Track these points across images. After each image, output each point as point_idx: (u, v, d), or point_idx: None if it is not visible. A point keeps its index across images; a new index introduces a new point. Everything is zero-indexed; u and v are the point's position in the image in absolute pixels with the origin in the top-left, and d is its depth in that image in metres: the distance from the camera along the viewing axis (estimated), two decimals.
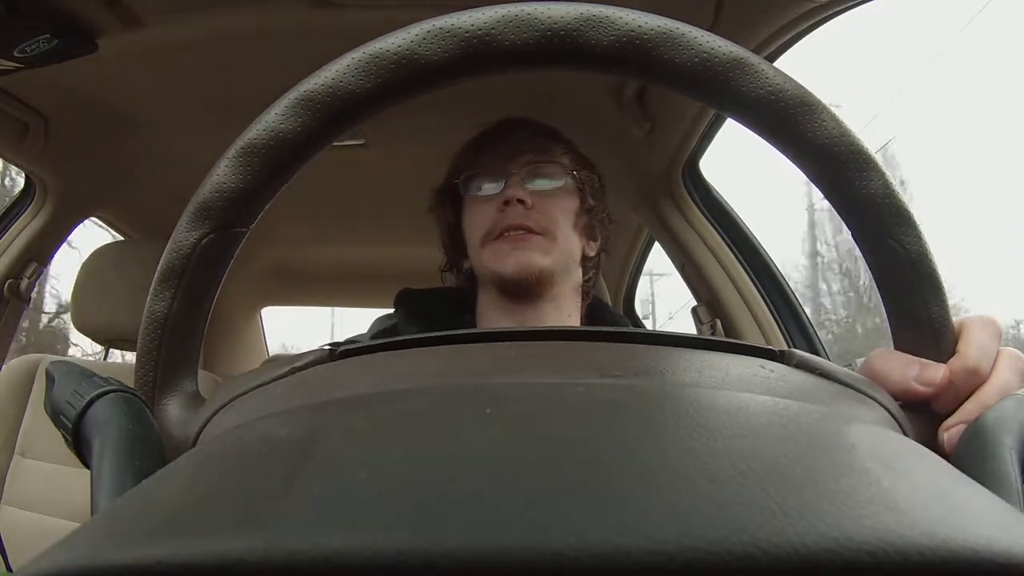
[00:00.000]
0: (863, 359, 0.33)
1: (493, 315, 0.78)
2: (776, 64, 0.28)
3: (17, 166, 1.30)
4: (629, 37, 0.26)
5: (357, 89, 0.27)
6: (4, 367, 1.35)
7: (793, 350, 0.30)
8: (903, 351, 0.31)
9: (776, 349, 0.31)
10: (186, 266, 0.29)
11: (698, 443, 0.16)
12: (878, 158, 0.28)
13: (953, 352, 0.30)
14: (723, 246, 1.27)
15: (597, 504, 0.14)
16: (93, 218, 1.55)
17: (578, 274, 0.80)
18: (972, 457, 0.23)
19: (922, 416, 0.30)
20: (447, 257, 0.85)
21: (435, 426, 0.18)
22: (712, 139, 1.19)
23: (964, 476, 0.18)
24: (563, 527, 0.13)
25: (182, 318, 0.30)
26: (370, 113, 0.28)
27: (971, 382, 0.30)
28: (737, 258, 1.26)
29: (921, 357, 0.31)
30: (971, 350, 0.30)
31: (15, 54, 0.94)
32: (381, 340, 0.30)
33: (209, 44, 1.04)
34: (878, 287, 0.31)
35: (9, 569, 1.13)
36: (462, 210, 0.80)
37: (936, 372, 0.30)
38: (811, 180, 0.29)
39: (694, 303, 1.35)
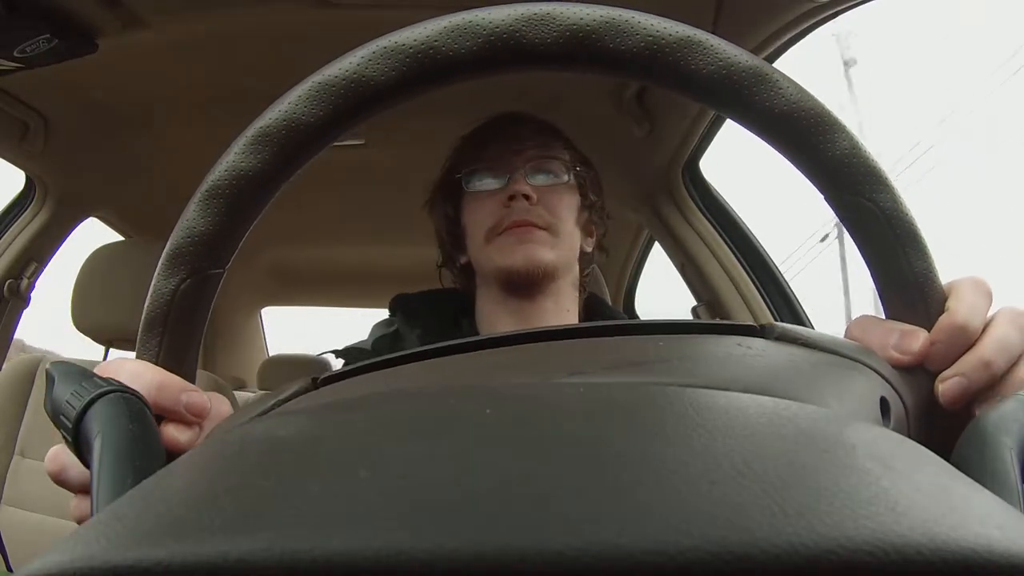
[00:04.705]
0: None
1: (493, 312, 0.78)
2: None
3: (17, 166, 1.30)
4: (572, 31, 0.26)
5: (311, 119, 0.26)
6: (4, 367, 1.35)
7: (774, 323, 0.30)
8: (893, 315, 0.31)
9: (756, 324, 0.30)
10: (168, 313, 0.29)
11: (698, 444, 0.16)
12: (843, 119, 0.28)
13: (943, 311, 0.29)
14: (723, 246, 1.27)
15: (597, 505, 0.14)
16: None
17: (576, 270, 0.80)
18: (972, 457, 0.23)
19: (918, 376, 0.30)
20: (444, 253, 0.85)
21: (435, 426, 0.18)
22: (712, 139, 1.19)
23: (964, 476, 0.17)
24: (563, 527, 0.13)
25: (171, 362, 0.30)
26: (327, 142, 0.28)
27: (961, 339, 0.29)
28: (737, 258, 1.26)
29: (911, 317, 0.30)
30: (960, 307, 0.29)
31: (15, 54, 0.94)
32: (361, 363, 0.30)
33: (209, 44, 1.04)
34: (859, 251, 0.30)
35: (9, 569, 1.13)
36: (461, 205, 0.80)
37: (915, 340, 0.29)
38: (775, 148, 0.29)
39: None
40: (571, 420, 0.18)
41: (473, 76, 0.27)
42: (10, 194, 1.39)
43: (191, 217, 0.28)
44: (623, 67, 0.27)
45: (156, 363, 0.30)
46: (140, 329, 0.30)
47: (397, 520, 0.13)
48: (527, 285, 0.74)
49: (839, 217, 0.30)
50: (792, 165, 0.29)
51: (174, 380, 0.30)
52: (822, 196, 0.30)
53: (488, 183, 0.76)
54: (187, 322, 0.30)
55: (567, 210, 0.76)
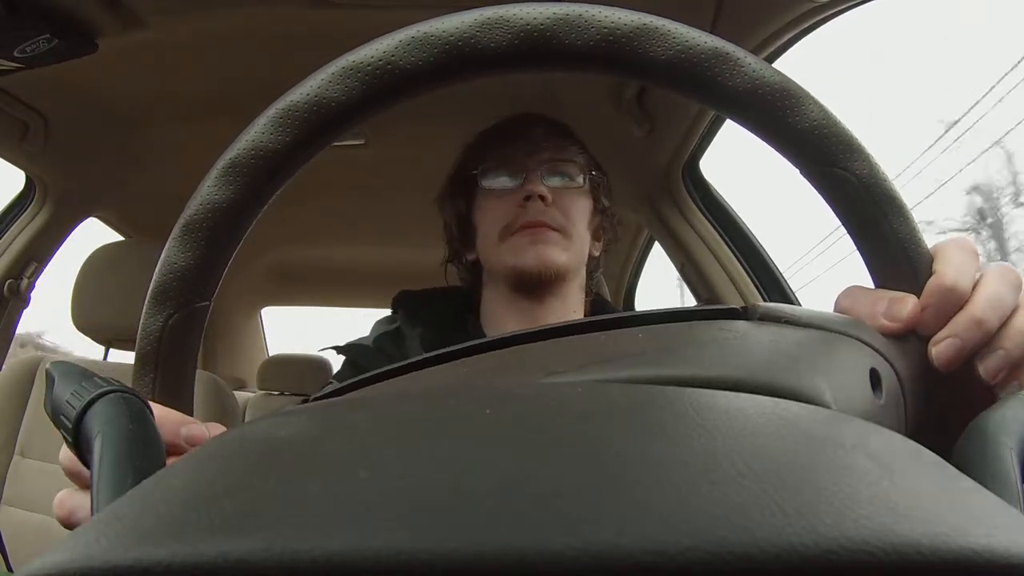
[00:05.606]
0: None
1: (500, 311, 0.78)
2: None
3: (17, 166, 1.30)
4: (526, 31, 0.26)
5: (278, 146, 0.27)
6: (4, 367, 1.36)
7: (757, 304, 0.29)
8: (881, 283, 0.30)
9: (739, 307, 0.29)
10: (159, 349, 0.29)
11: (698, 444, 0.16)
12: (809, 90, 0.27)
13: (931, 274, 0.29)
14: (723, 246, 1.27)
15: (597, 505, 0.14)
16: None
17: (584, 273, 0.80)
18: (972, 457, 0.23)
19: (911, 343, 0.29)
20: (451, 249, 0.85)
21: (435, 426, 0.18)
22: (712, 139, 1.19)
23: (964, 476, 0.17)
24: (563, 527, 0.13)
25: (166, 397, 0.30)
26: (296, 166, 0.28)
27: (951, 300, 0.29)
28: (737, 258, 1.26)
29: (899, 284, 0.29)
30: (947, 268, 0.29)
31: (15, 54, 0.95)
32: (346, 382, 0.30)
33: (209, 44, 1.04)
34: (841, 222, 0.30)
35: (10, 569, 1.13)
36: (474, 202, 0.80)
37: (904, 306, 0.29)
38: (744, 126, 0.28)
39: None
40: (571, 420, 0.18)
41: (435, 87, 0.27)
42: (10, 194, 1.39)
43: (172, 253, 0.28)
44: (581, 62, 0.27)
45: (152, 399, 0.30)
46: (133, 367, 0.30)
47: (397, 520, 0.13)
48: (537, 286, 0.74)
49: (817, 189, 0.29)
50: (763, 141, 0.29)
51: (172, 415, 0.30)
52: (796, 169, 0.29)
53: (504, 181, 0.76)
54: (178, 356, 0.30)
55: (580, 213, 0.76)
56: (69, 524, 0.30)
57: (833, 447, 0.17)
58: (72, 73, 1.04)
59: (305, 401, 0.29)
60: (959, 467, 0.18)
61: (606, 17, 0.26)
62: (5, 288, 1.35)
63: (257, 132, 0.27)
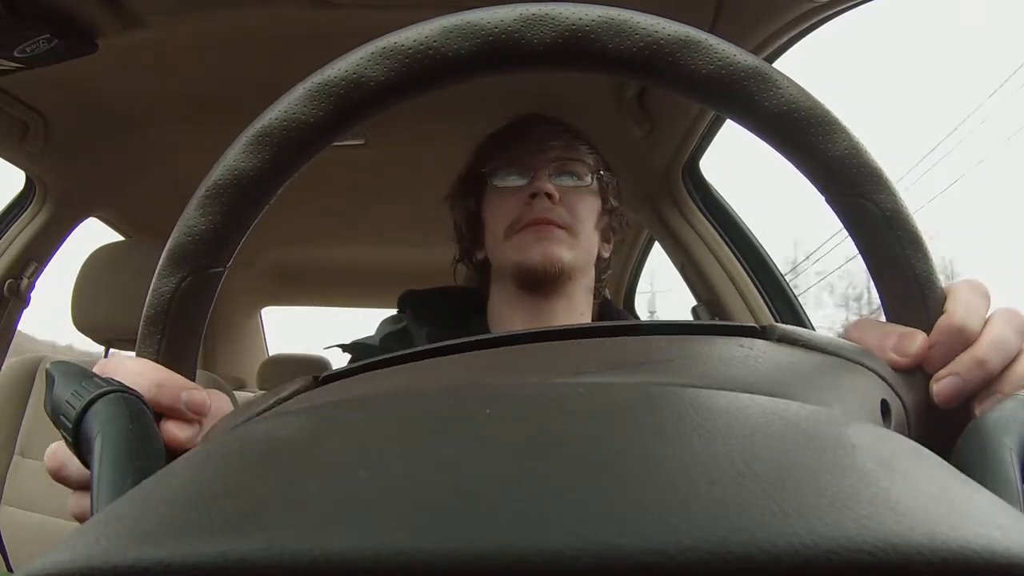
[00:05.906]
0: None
1: (506, 310, 0.78)
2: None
3: (17, 166, 1.30)
4: (571, 31, 0.26)
5: (311, 119, 0.27)
6: (4, 367, 1.35)
7: (775, 324, 0.29)
8: (893, 316, 0.31)
9: (757, 325, 0.30)
10: (168, 311, 0.29)
11: (698, 444, 0.16)
12: (841, 118, 0.28)
13: (942, 313, 0.30)
14: (723, 246, 1.27)
15: (597, 505, 0.14)
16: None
17: (592, 274, 0.80)
18: (972, 457, 0.23)
19: (917, 377, 0.30)
20: (461, 247, 0.85)
21: (435, 426, 0.18)
22: (712, 139, 1.19)
23: (964, 476, 0.17)
24: (563, 527, 0.13)
25: (171, 360, 0.30)
26: (326, 142, 0.28)
27: (959, 340, 0.29)
28: (737, 258, 1.26)
29: (910, 319, 0.30)
30: (958, 308, 0.29)
31: (15, 54, 0.94)
32: (361, 362, 0.30)
33: (209, 44, 1.04)
34: (859, 252, 0.30)
35: (9, 569, 1.13)
36: (484, 200, 0.81)
37: (913, 342, 0.29)
38: (774, 148, 0.29)
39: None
40: (571, 420, 0.18)
41: (472, 77, 0.27)
42: (10, 194, 1.39)
43: (191, 216, 0.28)
44: (621, 67, 0.27)
45: (156, 361, 0.30)
46: (140, 327, 0.30)
47: (397, 520, 0.13)
48: (542, 283, 0.74)
49: (839, 218, 0.30)
50: (792, 165, 0.29)
51: (174, 378, 0.30)
52: (822, 196, 0.30)
53: (512, 179, 0.77)
54: (187, 320, 0.30)
55: (587, 212, 0.77)
56: (59, 477, 0.30)
57: (833, 447, 0.17)
58: (72, 73, 1.04)
59: (316, 379, 0.29)
60: (959, 467, 0.18)
61: (651, 25, 0.26)
62: (5, 288, 1.35)
63: (291, 103, 0.27)
